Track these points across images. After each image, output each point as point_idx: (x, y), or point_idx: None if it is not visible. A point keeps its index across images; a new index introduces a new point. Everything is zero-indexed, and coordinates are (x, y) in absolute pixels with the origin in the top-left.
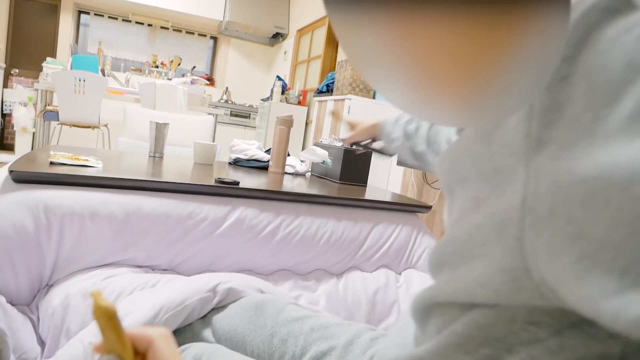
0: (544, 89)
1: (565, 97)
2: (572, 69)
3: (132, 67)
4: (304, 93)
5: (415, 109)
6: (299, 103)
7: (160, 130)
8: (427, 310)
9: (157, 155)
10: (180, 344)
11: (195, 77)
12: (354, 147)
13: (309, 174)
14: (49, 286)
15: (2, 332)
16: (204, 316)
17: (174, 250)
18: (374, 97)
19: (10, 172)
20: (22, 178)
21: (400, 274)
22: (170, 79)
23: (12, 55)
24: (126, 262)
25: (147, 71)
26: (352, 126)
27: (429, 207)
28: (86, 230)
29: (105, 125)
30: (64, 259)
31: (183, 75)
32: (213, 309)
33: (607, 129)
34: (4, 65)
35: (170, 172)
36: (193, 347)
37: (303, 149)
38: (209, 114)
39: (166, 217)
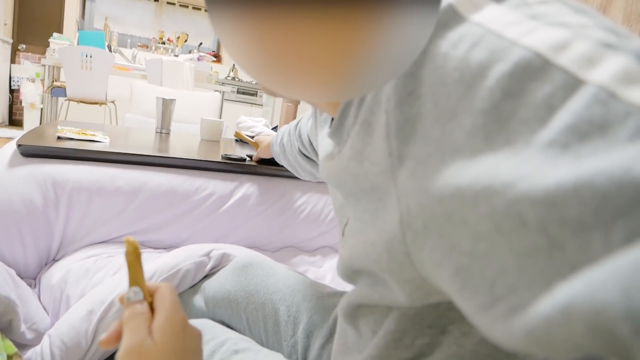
0: (394, 107)
1: (416, 112)
2: (417, 84)
3: (139, 44)
4: None
5: (281, 91)
6: None
7: (167, 107)
8: (354, 312)
9: (163, 131)
10: None
11: (202, 54)
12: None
13: None
14: (55, 260)
15: (13, 303)
16: (194, 285)
17: (180, 225)
18: None
19: (19, 146)
20: (30, 152)
21: None
22: (177, 56)
23: (18, 30)
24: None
25: (153, 47)
26: (256, 145)
27: None
28: (93, 205)
29: (112, 102)
30: (72, 233)
31: (190, 52)
32: (205, 277)
33: (454, 144)
34: (11, 41)
35: (177, 148)
36: None
37: None
38: (216, 91)
39: (173, 193)
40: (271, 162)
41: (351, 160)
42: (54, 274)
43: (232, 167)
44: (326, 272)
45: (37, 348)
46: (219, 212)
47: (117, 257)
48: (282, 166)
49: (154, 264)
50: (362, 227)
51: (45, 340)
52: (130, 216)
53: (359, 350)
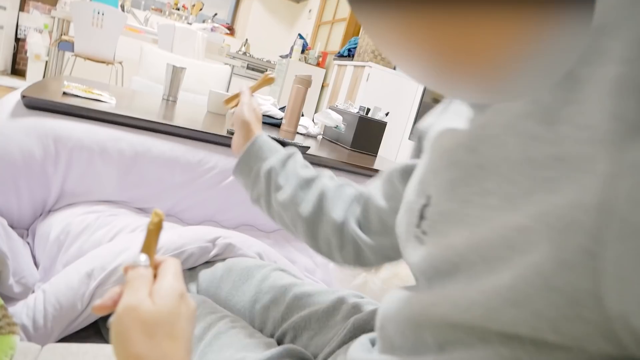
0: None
1: None
2: None
3: (153, 7)
4: (323, 55)
5: (438, 88)
6: (318, 64)
7: (176, 74)
8: (420, 326)
9: (170, 98)
10: None
11: (215, 25)
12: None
13: (321, 136)
14: (47, 213)
15: (4, 255)
16: (191, 269)
17: (179, 195)
18: (394, 68)
19: (23, 97)
20: (34, 105)
21: None
22: (191, 24)
23: None
24: (130, 201)
25: (167, 12)
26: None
27: None
28: (94, 165)
29: (120, 63)
30: (69, 190)
31: (204, 22)
32: (203, 263)
33: None
34: None
35: (183, 117)
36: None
37: (316, 111)
38: (226, 64)
39: (175, 162)
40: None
41: (527, 118)
42: (52, 227)
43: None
44: (317, 266)
45: (30, 302)
46: (219, 186)
47: (120, 217)
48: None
49: (160, 239)
50: (485, 212)
51: (39, 296)
52: (130, 180)
53: (390, 348)
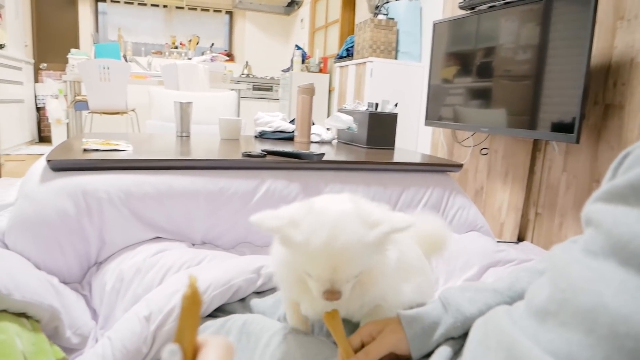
0: None
1: None
2: None
3: (153, 50)
4: (324, 60)
5: None
6: (320, 71)
7: (184, 110)
8: None
9: (184, 134)
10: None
11: (214, 54)
12: None
13: (336, 141)
14: (99, 264)
15: (57, 311)
16: (243, 299)
17: (208, 223)
18: (396, 58)
19: (48, 161)
20: (59, 166)
21: None
22: (191, 59)
23: (38, 50)
24: (166, 237)
25: (167, 53)
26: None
27: (460, 166)
28: (123, 211)
29: (133, 110)
30: (108, 239)
31: (203, 54)
32: (252, 294)
33: None
34: (33, 61)
35: (199, 150)
36: (238, 316)
37: (329, 116)
38: (231, 89)
39: (197, 194)
40: (291, 154)
41: None
42: (107, 279)
43: (253, 163)
44: None
45: (98, 350)
46: (244, 209)
47: (164, 254)
48: (303, 157)
49: (207, 276)
50: None
51: (105, 343)
52: (160, 219)
53: None
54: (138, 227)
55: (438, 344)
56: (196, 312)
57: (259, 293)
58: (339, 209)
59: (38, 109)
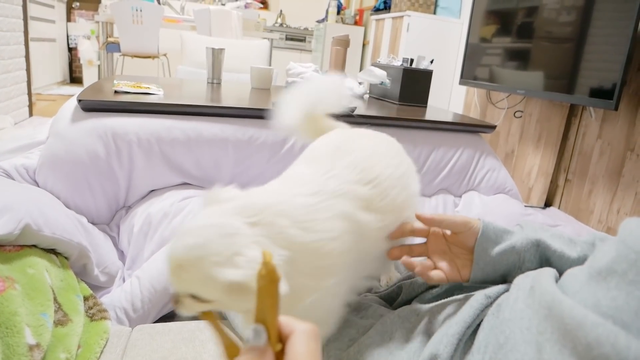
0: None
1: None
2: None
3: None
4: (360, 12)
5: None
6: (356, 23)
7: (216, 56)
8: None
9: (215, 81)
10: None
11: (248, 1)
12: None
13: (367, 95)
14: (127, 207)
15: (85, 249)
16: None
17: (235, 172)
18: (434, 13)
19: (79, 101)
20: (90, 107)
21: (460, 196)
22: (224, 4)
23: None
24: (194, 183)
25: None
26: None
27: (493, 127)
28: (153, 155)
29: (165, 55)
30: (137, 181)
31: (236, 0)
32: None
33: None
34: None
35: (229, 98)
36: None
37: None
38: (264, 38)
39: (226, 142)
40: None
41: None
42: (135, 221)
43: None
44: None
45: (126, 287)
46: (272, 159)
47: (191, 200)
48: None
49: None
50: None
51: (134, 282)
52: (188, 165)
53: None
54: (166, 172)
55: (501, 258)
56: (274, 290)
57: None
58: (206, 223)
59: (70, 50)
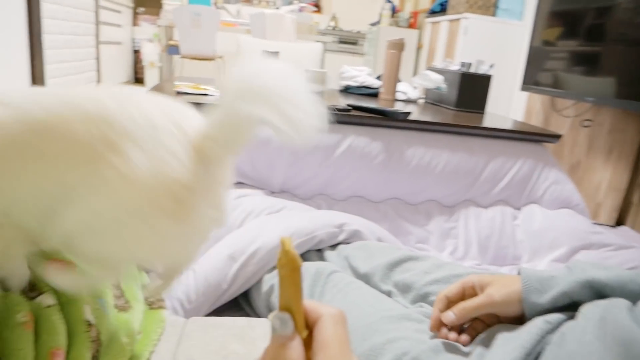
0: None
1: None
2: None
3: None
4: (414, 15)
5: None
6: (410, 26)
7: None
8: None
9: None
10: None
11: (302, 5)
12: None
13: (422, 100)
14: None
15: None
16: (319, 250)
17: (288, 174)
18: (494, 15)
19: None
20: None
21: (519, 208)
22: (279, 8)
23: None
24: (247, 182)
25: (256, 1)
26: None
27: (557, 137)
28: None
29: (221, 57)
30: None
31: (290, 4)
32: (339, 243)
33: None
34: (132, 5)
35: None
36: (310, 264)
37: (414, 75)
38: (317, 41)
39: (280, 143)
40: (375, 111)
41: None
42: None
43: (338, 117)
44: (430, 233)
45: (182, 279)
46: (326, 161)
47: (245, 198)
48: (388, 115)
49: (291, 223)
50: None
51: (190, 274)
52: (242, 163)
53: None
54: None
55: (554, 305)
56: (297, 278)
57: (333, 246)
58: None
59: (134, 52)
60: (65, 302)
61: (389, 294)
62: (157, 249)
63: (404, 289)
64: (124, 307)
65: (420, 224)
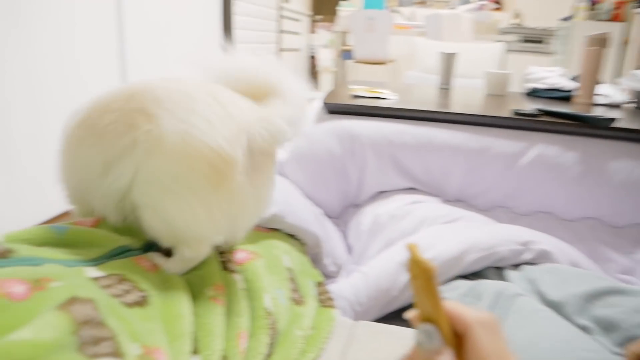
0: None
1: None
2: None
3: (416, 0)
4: (618, 5)
5: None
6: (612, 19)
7: (449, 61)
8: None
9: (446, 86)
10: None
11: (482, 2)
12: None
13: (632, 105)
14: (356, 206)
15: (320, 239)
16: (516, 266)
17: (464, 182)
18: None
19: (325, 104)
20: (332, 109)
21: None
22: (455, 8)
23: (315, 3)
24: (421, 188)
25: (431, 2)
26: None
27: None
28: (384, 157)
29: (392, 61)
30: (367, 181)
31: (468, 2)
32: (523, 263)
33: None
34: (310, 14)
35: (461, 104)
36: (491, 283)
37: (616, 76)
38: (497, 41)
39: (457, 149)
40: (571, 116)
41: None
42: (363, 219)
43: (523, 123)
44: (637, 263)
45: (353, 281)
46: (508, 172)
47: (419, 205)
48: (588, 122)
49: (469, 236)
50: None
51: (360, 277)
52: (416, 170)
53: None
54: (395, 175)
55: None
56: (434, 286)
57: (516, 265)
58: None
59: (310, 58)
60: (249, 289)
61: (585, 329)
62: (204, 216)
63: (607, 327)
64: (298, 301)
65: (624, 250)
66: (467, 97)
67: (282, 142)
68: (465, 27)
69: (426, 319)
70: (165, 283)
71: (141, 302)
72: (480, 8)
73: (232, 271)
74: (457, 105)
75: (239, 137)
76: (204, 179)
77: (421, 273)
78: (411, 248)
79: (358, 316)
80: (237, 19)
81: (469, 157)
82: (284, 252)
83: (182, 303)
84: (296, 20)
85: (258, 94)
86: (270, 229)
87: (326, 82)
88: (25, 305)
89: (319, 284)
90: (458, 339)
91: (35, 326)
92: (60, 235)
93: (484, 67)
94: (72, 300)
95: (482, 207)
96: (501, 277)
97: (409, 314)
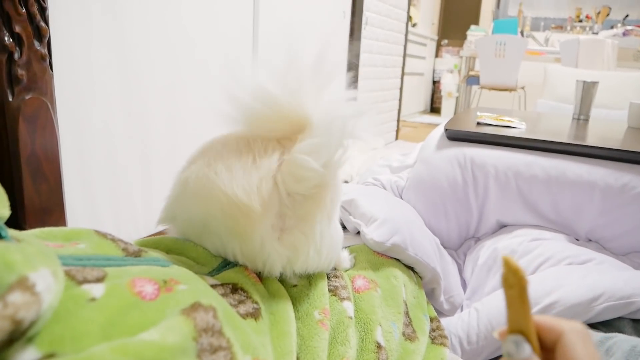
0: None
1: None
2: None
3: (553, 25)
4: None
5: None
6: None
7: (588, 90)
8: None
9: (582, 117)
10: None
11: (628, 28)
12: None
13: None
14: (476, 238)
15: (438, 275)
16: (636, 320)
17: (599, 222)
18: None
19: (446, 130)
20: (455, 136)
21: None
22: (597, 33)
23: (442, 28)
24: (545, 225)
25: (569, 27)
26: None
27: None
28: (508, 189)
29: (522, 88)
30: (488, 213)
31: (612, 27)
32: None
33: None
34: (436, 38)
35: (599, 136)
36: (625, 337)
37: None
38: None
39: (593, 186)
40: None
41: None
42: (481, 253)
43: None
44: None
45: (464, 317)
46: None
47: (542, 243)
48: None
49: (601, 281)
50: None
51: (472, 313)
52: (543, 205)
53: None
54: (519, 209)
55: None
56: (526, 297)
57: None
58: None
59: (434, 82)
60: (362, 320)
61: None
62: (240, 244)
63: None
64: (410, 337)
65: None
66: (606, 129)
67: (312, 180)
68: (607, 53)
69: (515, 330)
70: (271, 296)
71: (255, 314)
72: (626, 34)
73: (342, 298)
74: (594, 137)
75: (262, 186)
76: (220, 224)
77: (518, 283)
78: (507, 260)
79: (468, 354)
80: (364, 43)
81: (606, 196)
82: (403, 284)
83: (290, 321)
84: (422, 44)
85: (296, 128)
86: (390, 257)
87: (449, 107)
88: (154, 306)
89: (432, 320)
90: (545, 352)
91: (162, 329)
92: (183, 244)
93: (628, 97)
94: (196, 306)
95: (617, 251)
96: (637, 331)
97: (497, 332)
